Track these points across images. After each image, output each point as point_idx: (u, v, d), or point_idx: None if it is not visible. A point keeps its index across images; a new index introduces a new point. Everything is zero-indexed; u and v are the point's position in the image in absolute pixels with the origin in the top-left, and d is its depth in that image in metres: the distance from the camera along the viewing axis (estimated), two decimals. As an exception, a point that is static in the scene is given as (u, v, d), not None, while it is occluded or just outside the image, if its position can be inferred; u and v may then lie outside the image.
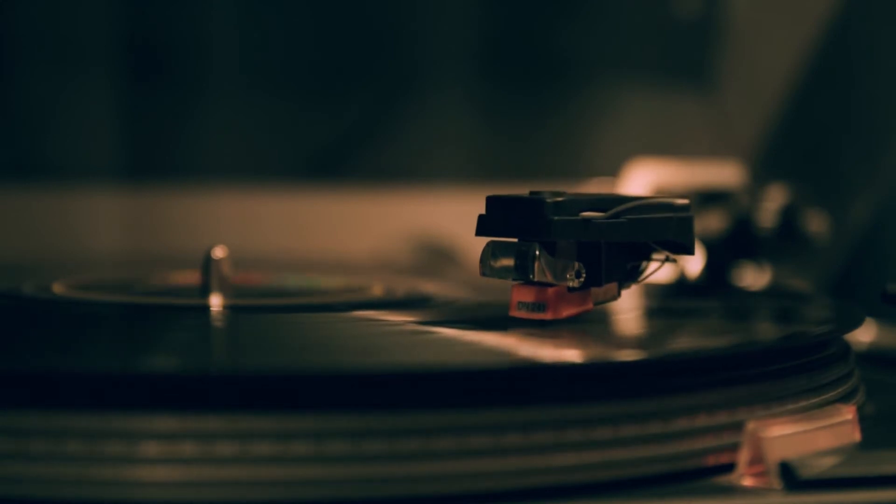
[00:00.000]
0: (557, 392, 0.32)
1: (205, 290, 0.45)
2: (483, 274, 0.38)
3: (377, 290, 0.49)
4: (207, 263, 0.46)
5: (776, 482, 0.32)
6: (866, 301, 0.48)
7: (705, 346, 0.37)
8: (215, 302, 0.45)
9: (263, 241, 0.75)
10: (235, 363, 0.34)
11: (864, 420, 0.36)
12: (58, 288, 0.48)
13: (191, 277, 0.49)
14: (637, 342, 0.39)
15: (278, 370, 0.31)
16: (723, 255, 0.60)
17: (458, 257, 0.72)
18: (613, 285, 0.40)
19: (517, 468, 0.31)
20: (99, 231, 0.74)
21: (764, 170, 0.69)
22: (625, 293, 0.41)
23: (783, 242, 0.60)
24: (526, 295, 0.38)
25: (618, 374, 0.33)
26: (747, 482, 0.32)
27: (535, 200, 0.37)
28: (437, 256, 0.73)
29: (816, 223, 0.61)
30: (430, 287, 0.51)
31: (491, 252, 0.38)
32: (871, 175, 0.71)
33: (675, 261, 0.41)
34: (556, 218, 0.37)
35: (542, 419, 0.31)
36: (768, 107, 0.77)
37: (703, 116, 0.80)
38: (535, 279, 0.37)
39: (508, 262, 0.38)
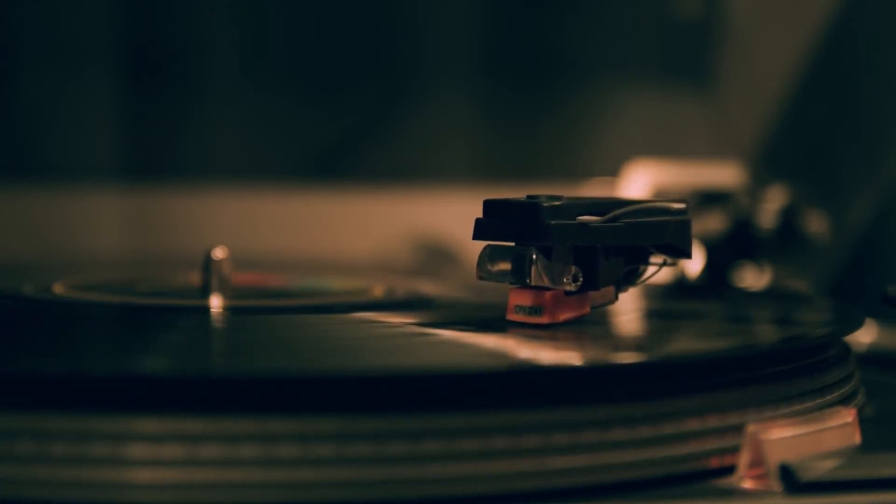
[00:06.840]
0: (554, 395, 0.32)
1: (205, 291, 0.45)
2: (480, 278, 0.38)
3: (377, 292, 0.49)
4: (207, 263, 0.46)
5: (776, 485, 0.32)
6: (866, 302, 0.48)
7: (705, 348, 0.37)
8: (215, 303, 0.45)
9: (263, 241, 0.75)
10: (241, 364, 0.34)
11: (864, 422, 0.36)
12: (58, 288, 0.48)
13: (191, 278, 0.49)
14: (636, 344, 0.39)
15: (290, 372, 0.31)
16: (723, 256, 0.60)
17: (458, 258, 0.71)
18: (611, 289, 0.40)
19: (512, 471, 0.31)
20: (99, 231, 0.74)
21: (764, 170, 0.69)
22: (623, 294, 0.41)
23: (783, 243, 0.60)
24: (523, 299, 0.38)
25: (616, 376, 0.33)
26: (747, 484, 0.32)
27: (531, 205, 0.37)
28: (437, 257, 0.73)
29: (816, 223, 0.61)
30: (430, 288, 0.51)
31: (488, 256, 0.38)
32: (871, 175, 0.70)
33: (672, 264, 0.41)
34: (552, 222, 0.37)
35: (540, 422, 0.31)
36: (768, 107, 0.77)
37: (703, 116, 0.80)
38: (532, 283, 0.37)
39: (505, 265, 0.37)
